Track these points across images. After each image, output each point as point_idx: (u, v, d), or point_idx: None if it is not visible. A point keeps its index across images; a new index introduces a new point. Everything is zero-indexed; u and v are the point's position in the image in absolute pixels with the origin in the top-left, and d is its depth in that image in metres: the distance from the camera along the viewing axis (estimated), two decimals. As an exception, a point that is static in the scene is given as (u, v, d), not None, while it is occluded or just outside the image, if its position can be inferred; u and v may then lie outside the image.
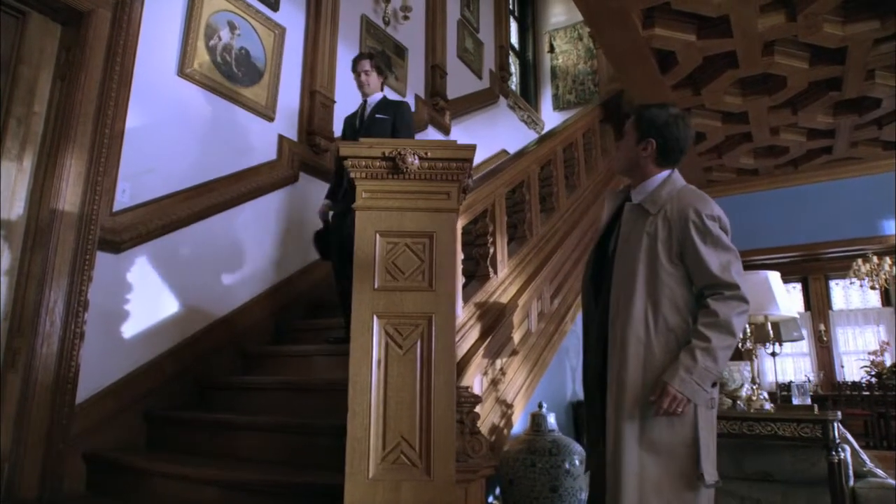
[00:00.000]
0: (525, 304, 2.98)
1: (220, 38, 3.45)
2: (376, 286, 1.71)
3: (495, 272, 2.84)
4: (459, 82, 5.96)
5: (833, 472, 2.20)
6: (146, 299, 2.89)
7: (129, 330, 2.81)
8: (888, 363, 7.92)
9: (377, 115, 3.13)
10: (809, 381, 7.71)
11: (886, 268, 7.79)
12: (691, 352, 1.60)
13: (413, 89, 5.22)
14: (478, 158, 3.09)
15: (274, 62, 3.77)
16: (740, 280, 1.65)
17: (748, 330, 2.94)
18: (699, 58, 4.14)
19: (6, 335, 2.49)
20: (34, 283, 2.53)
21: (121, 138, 2.86)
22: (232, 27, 3.53)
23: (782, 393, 6.19)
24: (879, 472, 2.48)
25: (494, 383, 2.61)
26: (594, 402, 1.85)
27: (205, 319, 3.12)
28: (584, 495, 2.22)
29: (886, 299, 9.32)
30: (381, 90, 3.28)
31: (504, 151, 6.26)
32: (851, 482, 2.33)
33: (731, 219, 1.81)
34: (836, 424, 2.27)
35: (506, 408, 2.64)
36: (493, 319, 2.67)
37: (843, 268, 8.12)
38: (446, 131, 5.55)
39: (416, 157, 1.74)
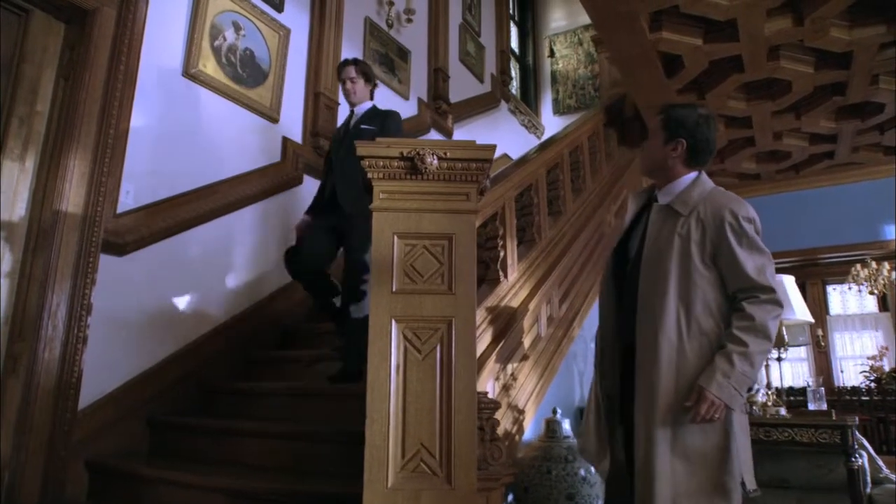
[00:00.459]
0: (535, 309, 2.95)
1: (224, 39, 3.41)
2: (394, 289, 1.67)
3: (505, 276, 2.81)
4: (461, 86, 5.93)
5: (853, 479, 2.17)
6: (150, 303, 2.84)
7: (132, 334, 2.75)
8: (887, 368, 7.94)
9: (363, 126, 2.87)
10: (810, 385, 7.70)
11: (885, 273, 7.82)
12: (728, 356, 1.56)
13: (416, 92, 5.19)
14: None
15: (278, 63, 3.74)
16: (775, 283, 1.62)
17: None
18: (705, 62, 4.13)
19: (7, 339, 2.43)
20: (36, 285, 2.47)
21: (125, 138, 2.81)
22: (237, 28, 3.49)
23: (788, 398, 6.18)
24: (894, 477, 2.45)
25: (506, 388, 2.57)
26: (612, 412, 1.82)
27: (209, 323, 3.07)
28: (600, 503, 2.18)
29: (884, 304, 9.35)
30: (371, 98, 3.05)
31: (506, 156, 6.23)
32: (868, 489, 2.30)
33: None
34: (854, 430, 2.24)
35: (517, 413, 2.60)
36: (505, 324, 2.64)
37: (841, 273, 8.13)
38: (448, 135, 5.52)
39: (434, 157, 1.70)
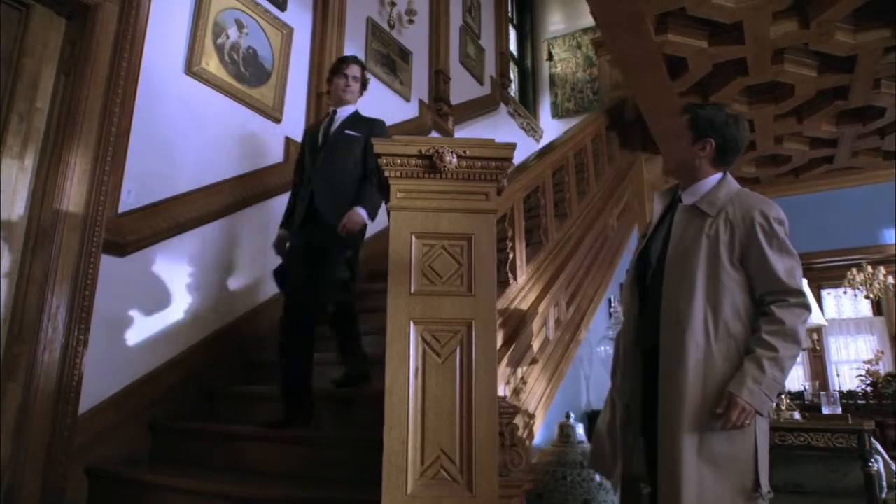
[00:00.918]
0: (544, 312, 2.91)
1: (227, 37, 3.36)
2: (412, 290, 1.62)
3: (515, 278, 2.77)
4: (461, 88, 5.90)
5: (870, 484, 2.15)
6: (151, 305, 2.78)
7: (133, 336, 2.69)
8: (883, 372, 7.96)
9: (347, 131, 2.68)
10: (806, 389, 7.72)
11: (881, 277, 7.86)
12: (758, 361, 1.53)
13: (417, 94, 5.15)
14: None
15: (281, 63, 3.69)
16: (804, 287, 1.60)
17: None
18: (709, 65, 4.12)
19: (5, 341, 2.36)
20: (35, 286, 2.41)
21: (127, 136, 2.76)
22: (240, 25, 3.44)
23: (794, 402, 6.18)
24: (908, 482, 2.43)
25: (516, 392, 2.53)
26: (631, 421, 1.78)
27: (211, 326, 3.01)
28: (616, 510, 2.14)
29: (878, 309, 9.40)
30: (356, 103, 2.85)
31: (506, 158, 6.19)
32: (884, 493, 2.28)
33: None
34: (870, 434, 2.22)
35: (528, 418, 2.56)
36: (515, 327, 2.60)
37: (836, 277, 8.16)
38: (449, 137, 5.49)
39: (454, 155, 1.66)
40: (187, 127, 3.08)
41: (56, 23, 2.72)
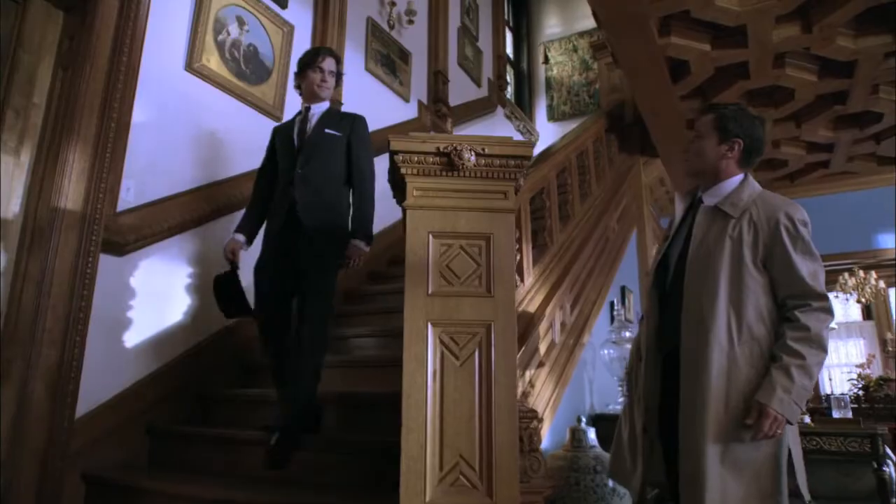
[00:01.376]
0: (550, 315, 2.88)
1: (228, 34, 3.30)
2: (430, 291, 1.58)
3: (522, 280, 2.73)
4: (459, 89, 5.87)
5: (883, 488, 2.13)
6: (151, 306, 2.71)
7: (132, 338, 2.62)
8: (874, 376, 8.01)
9: (327, 131, 2.46)
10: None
11: (872, 281, 7.93)
12: (786, 370, 1.51)
13: (416, 95, 5.12)
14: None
15: (282, 61, 3.63)
16: (826, 291, 1.58)
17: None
18: (711, 68, 4.12)
19: (0, 342, 2.28)
20: (31, 286, 2.33)
21: (126, 133, 2.69)
22: (241, 22, 3.39)
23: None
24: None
25: (525, 396, 2.49)
26: (651, 422, 1.75)
27: (211, 328, 2.94)
28: (629, 515, 2.10)
29: (868, 313, 9.49)
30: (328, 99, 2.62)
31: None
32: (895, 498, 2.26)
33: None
34: (883, 438, 2.21)
35: (537, 422, 2.52)
36: (523, 329, 2.56)
37: (829, 282, 8.15)
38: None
39: (472, 153, 1.62)
40: (188, 124, 3.02)
41: (54, 16, 2.65)
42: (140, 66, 2.77)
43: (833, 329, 1.63)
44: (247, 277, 2.51)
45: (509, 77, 7.62)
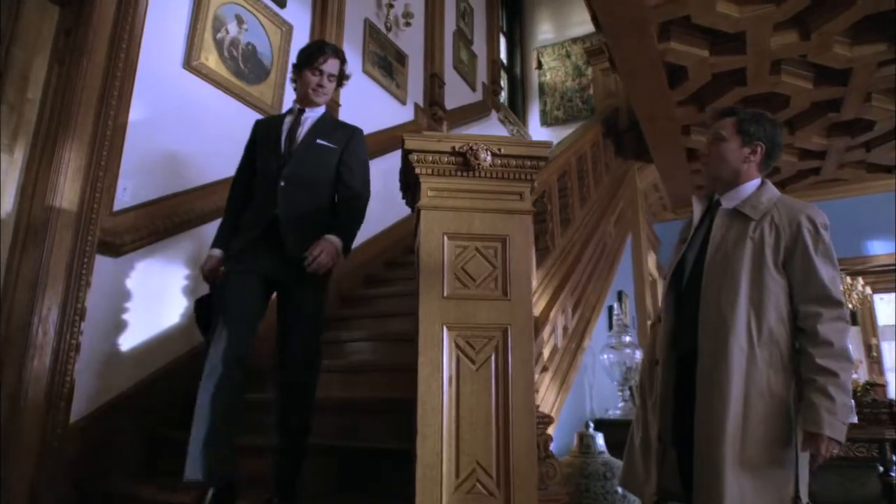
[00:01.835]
0: (553, 319, 2.86)
1: (227, 32, 3.25)
2: (445, 294, 1.55)
3: (526, 284, 2.70)
4: (454, 93, 5.85)
5: (890, 493, 2.13)
6: (147, 308, 2.64)
7: (128, 341, 2.55)
8: (861, 381, 8.10)
9: (319, 141, 2.19)
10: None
11: (859, 287, 8.03)
12: (824, 391, 1.50)
13: (412, 97, 5.09)
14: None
15: (280, 60, 3.59)
16: (842, 297, 1.57)
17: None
18: (709, 74, 4.14)
19: (-8, 346, 2.21)
20: (25, 287, 2.26)
21: (123, 131, 2.63)
22: (239, 21, 3.34)
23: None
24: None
25: (530, 401, 2.46)
26: (665, 427, 1.73)
27: (208, 331, 2.87)
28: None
29: (853, 319, 9.60)
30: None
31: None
32: (900, 505, 2.26)
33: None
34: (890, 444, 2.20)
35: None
36: (528, 333, 2.53)
37: (816, 288, 8.29)
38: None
39: (489, 153, 1.60)
40: (186, 123, 2.96)
41: (49, 10, 2.59)
42: (138, 63, 2.71)
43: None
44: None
45: (503, 82, 7.62)
